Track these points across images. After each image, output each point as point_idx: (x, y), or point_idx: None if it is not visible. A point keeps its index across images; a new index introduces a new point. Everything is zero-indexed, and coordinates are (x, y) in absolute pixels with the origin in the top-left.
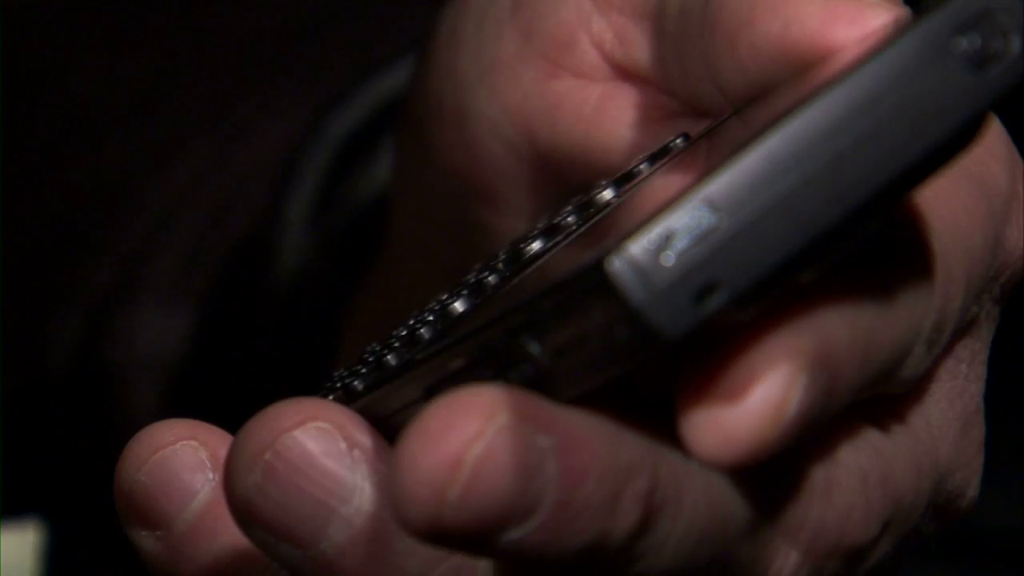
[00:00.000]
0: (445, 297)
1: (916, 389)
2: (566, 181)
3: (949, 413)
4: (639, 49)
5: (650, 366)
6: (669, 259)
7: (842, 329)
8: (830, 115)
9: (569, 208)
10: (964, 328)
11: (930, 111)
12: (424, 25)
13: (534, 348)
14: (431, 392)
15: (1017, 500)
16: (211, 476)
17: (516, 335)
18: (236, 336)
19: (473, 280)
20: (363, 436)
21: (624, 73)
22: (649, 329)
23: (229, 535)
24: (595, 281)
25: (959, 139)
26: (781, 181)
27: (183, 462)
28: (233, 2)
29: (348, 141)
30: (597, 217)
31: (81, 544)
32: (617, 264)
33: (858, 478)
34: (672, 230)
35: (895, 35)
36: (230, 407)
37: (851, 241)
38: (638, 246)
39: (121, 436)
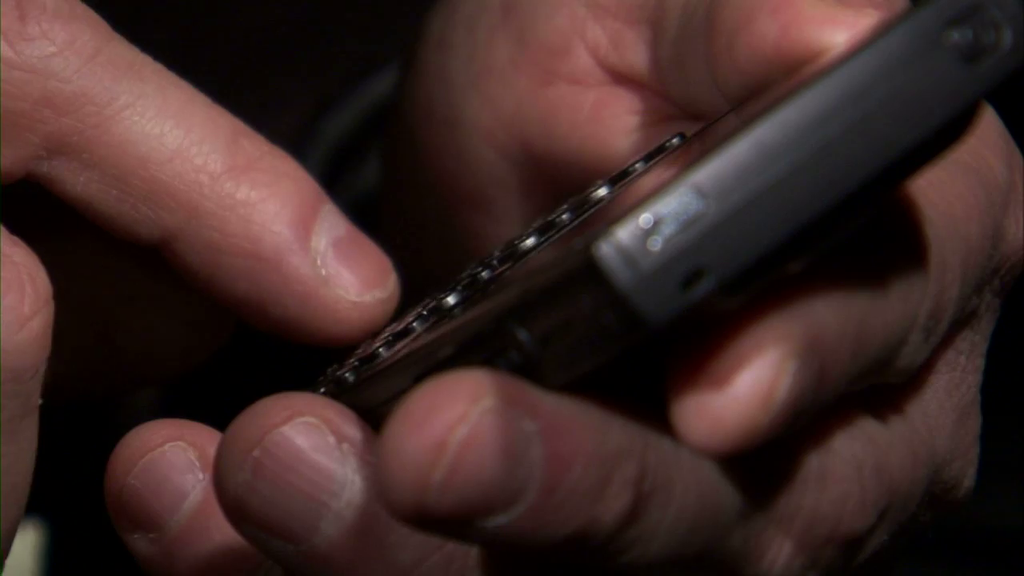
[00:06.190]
0: (439, 293)
1: (914, 380)
2: (560, 187)
3: (946, 404)
4: (635, 53)
5: (640, 353)
6: (656, 244)
7: (833, 316)
8: (819, 104)
9: (564, 207)
10: (964, 320)
11: (921, 103)
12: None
13: (522, 334)
14: (420, 381)
15: (1017, 500)
16: (201, 476)
17: (504, 321)
18: (234, 335)
19: (467, 275)
20: (352, 429)
21: (619, 77)
22: (635, 315)
23: (222, 534)
24: (582, 266)
25: (950, 132)
26: (769, 169)
27: (172, 463)
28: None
29: (343, 142)
30: (589, 212)
31: (81, 544)
32: (604, 249)
33: (853, 467)
34: (660, 216)
35: (887, 27)
36: (229, 405)
37: (840, 231)
38: (625, 231)
39: (120, 435)
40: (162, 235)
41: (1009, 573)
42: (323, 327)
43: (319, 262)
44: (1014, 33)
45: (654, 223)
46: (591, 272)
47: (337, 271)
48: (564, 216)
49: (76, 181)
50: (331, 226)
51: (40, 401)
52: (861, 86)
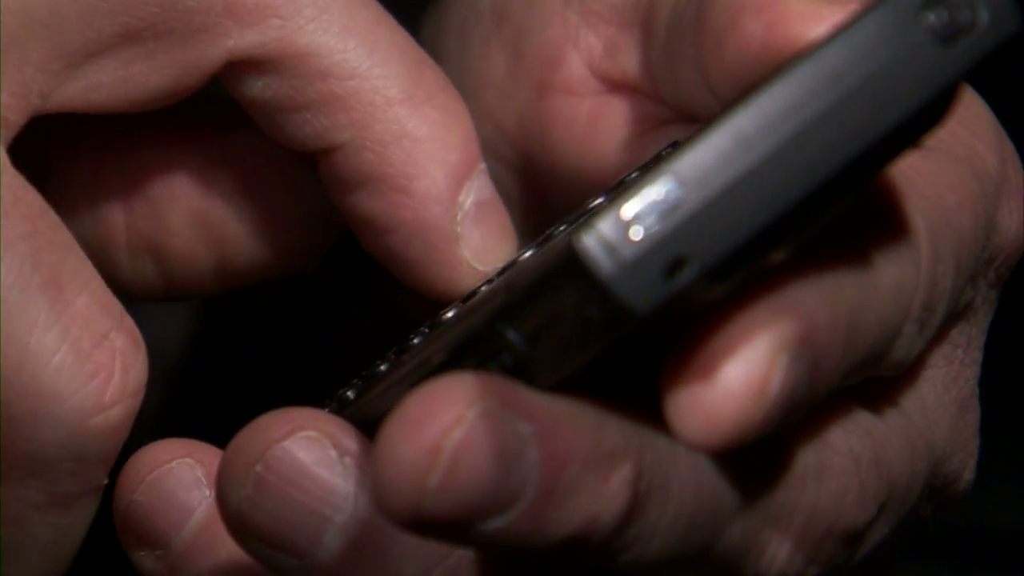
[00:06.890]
0: (440, 308)
1: (910, 373)
2: (561, 200)
3: (944, 397)
4: (628, 58)
5: (629, 346)
6: (638, 233)
7: (824, 308)
8: (794, 89)
9: (562, 221)
10: (959, 313)
11: (898, 85)
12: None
13: (511, 335)
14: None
15: (1017, 500)
16: (207, 493)
17: (493, 323)
18: (236, 336)
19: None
20: (353, 443)
21: (613, 84)
22: (619, 304)
23: (228, 551)
24: (565, 260)
25: (929, 114)
26: (748, 155)
27: (179, 480)
28: None
29: None
30: (583, 218)
31: (86, 561)
32: (585, 240)
33: (850, 460)
34: (640, 206)
35: (863, 11)
36: (230, 407)
37: (822, 217)
38: (606, 222)
39: (127, 447)
40: (324, 147)
41: (1009, 573)
42: (435, 280)
43: (459, 218)
44: (990, 13)
45: (635, 213)
46: (574, 264)
47: (471, 233)
48: (562, 227)
49: (254, 86)
50: (480, 186)
51: (105, 482)
52: (837, 70)
